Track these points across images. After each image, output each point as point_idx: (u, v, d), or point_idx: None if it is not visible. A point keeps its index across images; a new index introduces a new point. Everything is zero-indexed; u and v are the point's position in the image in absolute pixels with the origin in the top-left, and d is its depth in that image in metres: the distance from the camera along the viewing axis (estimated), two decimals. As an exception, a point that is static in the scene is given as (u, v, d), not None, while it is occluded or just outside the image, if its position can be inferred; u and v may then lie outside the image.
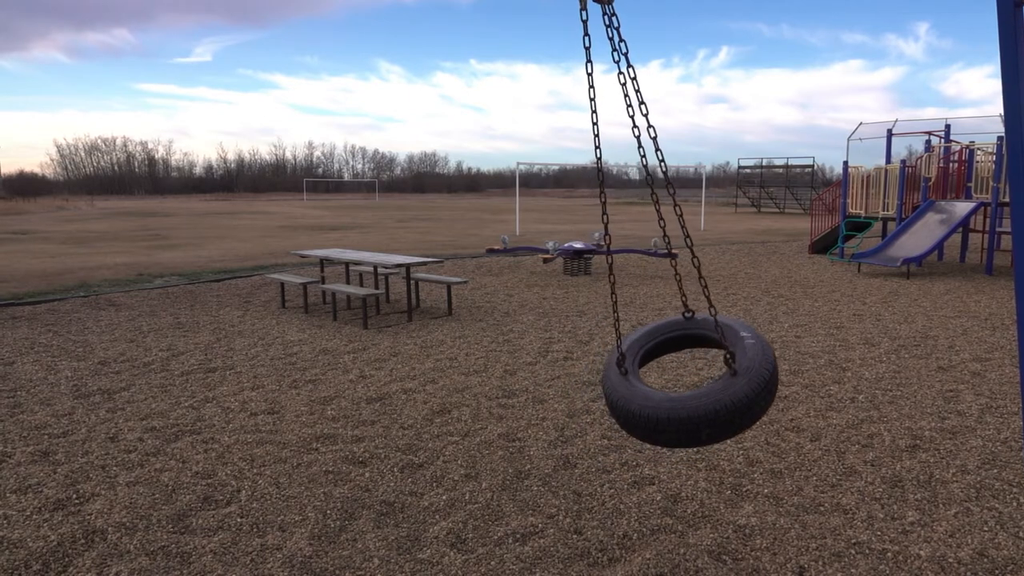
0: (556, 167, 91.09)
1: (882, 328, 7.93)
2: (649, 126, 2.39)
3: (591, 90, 2.42)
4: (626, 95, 2.36)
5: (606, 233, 2.76)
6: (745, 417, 2.39)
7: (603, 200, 2.63)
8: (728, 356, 2.51)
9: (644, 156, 2.47)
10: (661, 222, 2.64)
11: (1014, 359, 6.48)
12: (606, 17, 2.27)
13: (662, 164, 2.49)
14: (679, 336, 2.86)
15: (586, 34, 2.29)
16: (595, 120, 2.47)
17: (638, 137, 2.42)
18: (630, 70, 2.33)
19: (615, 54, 2.31)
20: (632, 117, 2.39)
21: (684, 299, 2.76)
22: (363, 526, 3.42)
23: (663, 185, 2.61)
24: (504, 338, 7.39)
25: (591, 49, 2.34)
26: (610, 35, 2.30)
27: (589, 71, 2.39)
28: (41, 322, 8.31)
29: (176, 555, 3.15)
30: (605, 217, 2.74)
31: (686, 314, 2.80)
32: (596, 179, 2.57)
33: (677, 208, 2.60)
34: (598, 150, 2.53)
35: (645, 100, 2.35)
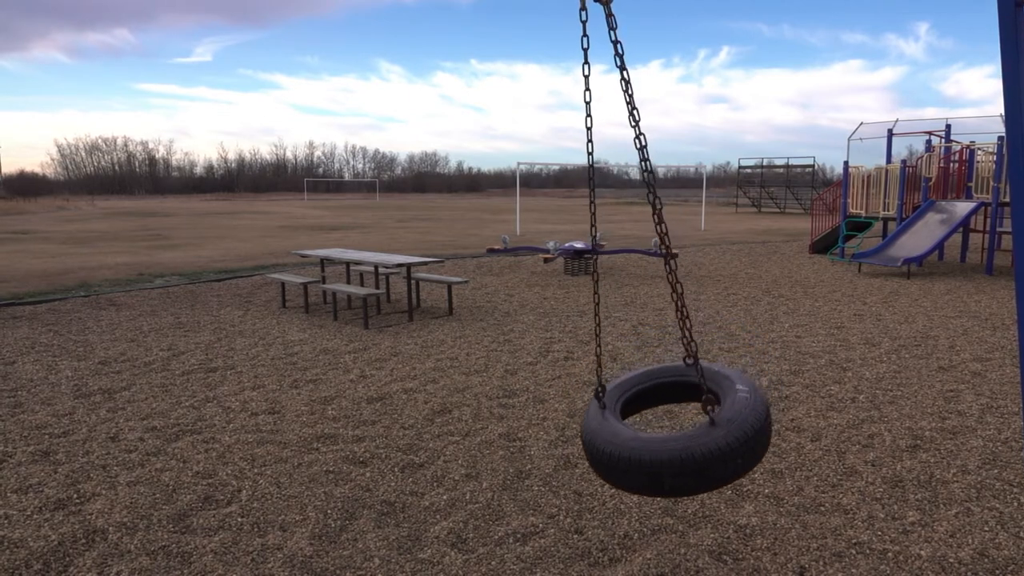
0: (556, 167, 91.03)
1: (883, 328, 7.93)
2: (640, 135, 2.36)
3: (587, 92, 2.39)
4: (628, 103, 2.34)
5: (594, 242, 2.70)
6: (717, 472, 2.15)
7: (592, 210, 2.59)
8: (708, 403, 2.27)
9: (645, 161, 2.43)
10: (662, 239, 2.50)
11: (1014, 359, 6.48)
12: (609, 19, 2.25)
13: (649, 173, 2.45)
14: (673, 383, 2.63)
15: (584, 35, 2.28)
16: (589, 125, 2.43)
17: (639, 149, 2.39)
18: (624, 73, 2.31)
19: (617, 59, 2.29)
20: (634, 125, 2.36)
21: (685, 342, 2.49)
22: (364, 526, 3.42)
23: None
24: (505, 338, 7.40)
25: (589, 51, 2.32)
26: (613, 37, 2.28)
27: (586, 73, 2.37)
28: (42, 322, 8.31)
29: (177, 555, 3.16)
30: (594, 229, 2.68)
31: (687, 360, 2.55)
32: (596, 179, 2.54)
33: (662, 226, 2.43)
34: (591, 156, 2.49)
35: (638, 106, 2.32)
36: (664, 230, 2.48)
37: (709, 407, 2.26)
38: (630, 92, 2.30)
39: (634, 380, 2.66)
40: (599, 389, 2.53)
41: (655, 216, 2.37)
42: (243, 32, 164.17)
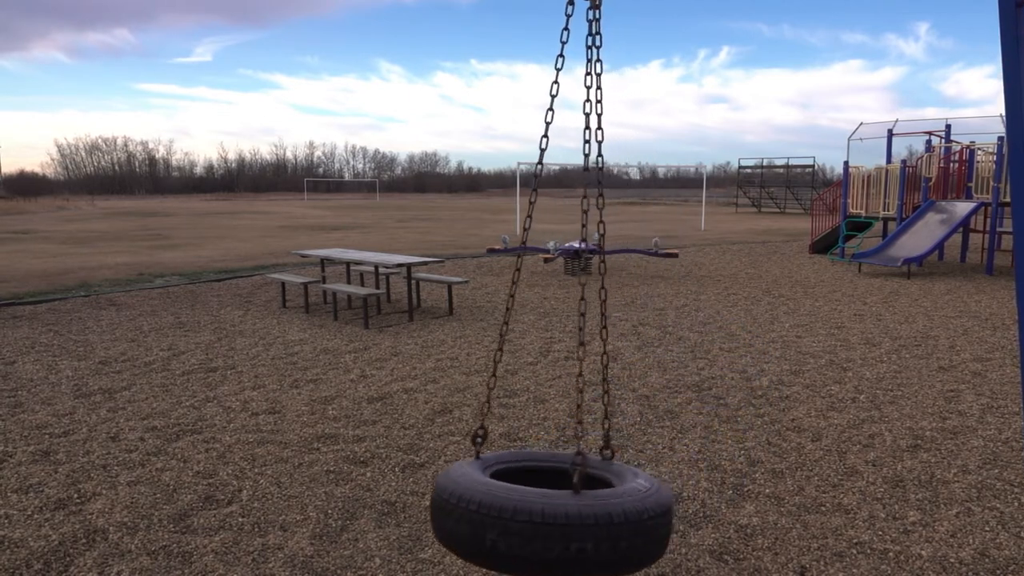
0: (556, 167, 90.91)
1: (883, 328, 7.93)
2: (598, 127, 2.31)
3: (555, 85, 2.33)
4: (598, 102, 2.30)
5: (523, 244, 2.42)
6: (555, 546, 1.68)
7: (530, 212, 2.53)
8: (577, 465, 1.83)
9: (599, 156, 2.36)
10: (600, 249, 2.36)
11: (1015, 359, 6.48)
12: (590, 12, 2.21)
13: (600, 170, 2.40)
14: (559, 469, 2.18)
15: (566, 28, 2.25)
16: (549, 120, 2.35)
17: (599, 143, 2.32)
18: (596, 72, 2.28)
19: (597, 65, 2.25)
20: (604, 119, 2.30)
21: (607, 431, 2.10)
22: (364, 526, 3.42)
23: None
24: (505, 338, 7.38)
25: (567, 45, 2.29)
26: (596, 34, 2.24)
27: (559, 66, 2.33)
28: (42, 322, 8.31)
29: (177, 555, 3.15)
30: (528, 220, 2.45)
31: (605, 452, 2.13)
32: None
33: (601, 229, 2.31)
34: (543, 152, 2.40)
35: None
36: (602, 242, 2.36)
37: (577, 468, 1.82)
38: (599, 97, 2.28)
39: (524, 455, 2.21)
40: (479, 431, 2.16)
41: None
42: (243, 32, 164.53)
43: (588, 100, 2.25)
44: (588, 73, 2.23)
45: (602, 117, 2.32)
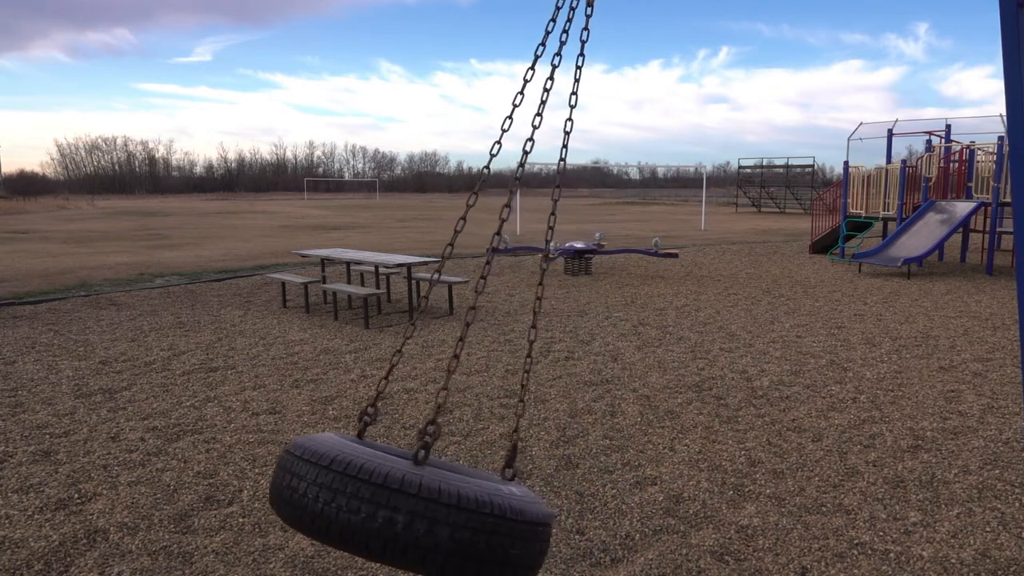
0: (553, 167, 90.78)
1: (883, 328, 7.93)
2: (569, 118, 2.27)
3: (530, 71, 2.29)
4: (573, 93, 2.28)
5: (444, 256, 2.23)
6: (362, 507, 1.43)
7: (466, 213, 2.43)
8: (425, 435, 1.67)
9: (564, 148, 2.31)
10: (545, 247, 2.31)
11: (1015, 359, 6.48)
12: (575, 0, 2.19)
13: (562, 161, 2.37)
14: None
15: (552, 20, 2.23)
16: (518, 102, 2.29)
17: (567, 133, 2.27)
18: (578, 64, 2.26)
19: (580, 59, 2.23)
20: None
21: (511, 449, 1.87)
22: (365, 526, 3.41)
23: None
24: (505, 338, 7.39)
25: (545, 41, 2.27)
26: (584, 26, 2.22)
27: (539, 53, 2.29)
28: (42, 321, 8.31)
29: (178, 555, 3.15)
30: (461, 222, 2.27)
31: (506, 471, 1.89)
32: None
33: (552, 222, 2.21)
34: (497, 145, 2.33)
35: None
36: (551, 236, 2.25)
37: (428, 438, 1.66)
38: (574, 88, 2.27)
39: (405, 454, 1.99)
40: (368, 409, 1.94)
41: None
42: (243, 32, 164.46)
43: (548, 78, 2.20)
44: (557, 53, 2.20)
45: (574, 109, 2.31)
